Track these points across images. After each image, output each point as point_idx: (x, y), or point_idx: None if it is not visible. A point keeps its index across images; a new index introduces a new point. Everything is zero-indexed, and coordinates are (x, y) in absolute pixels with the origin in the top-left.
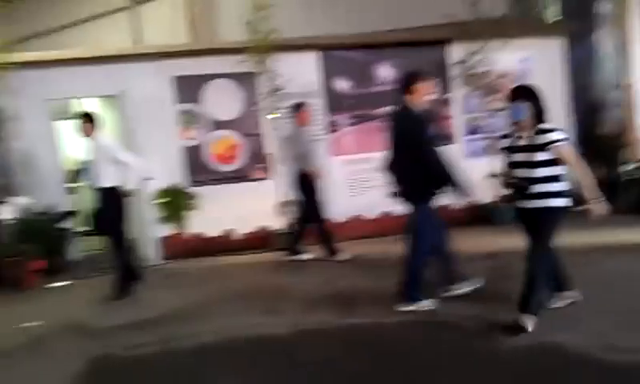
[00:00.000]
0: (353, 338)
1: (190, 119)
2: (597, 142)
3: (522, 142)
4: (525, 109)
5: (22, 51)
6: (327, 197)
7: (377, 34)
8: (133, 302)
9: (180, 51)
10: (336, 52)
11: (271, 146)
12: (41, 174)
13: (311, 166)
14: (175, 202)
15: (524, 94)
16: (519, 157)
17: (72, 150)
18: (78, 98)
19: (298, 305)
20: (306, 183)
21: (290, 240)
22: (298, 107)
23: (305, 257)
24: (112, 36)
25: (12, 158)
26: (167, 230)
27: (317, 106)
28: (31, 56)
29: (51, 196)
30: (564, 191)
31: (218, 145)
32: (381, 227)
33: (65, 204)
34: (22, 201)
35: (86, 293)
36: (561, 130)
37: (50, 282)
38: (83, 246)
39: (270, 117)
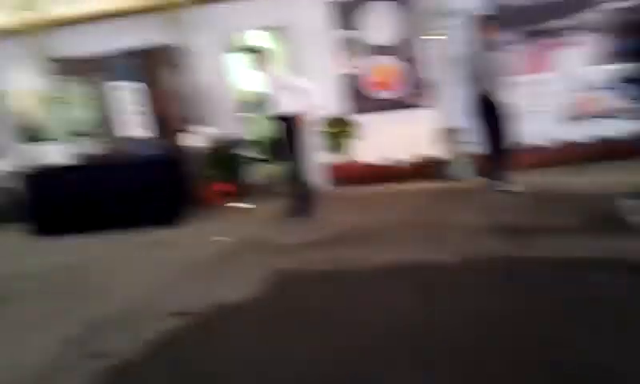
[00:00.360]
0: (517, 271)
1: (350, 46)
2: None
3: None
4: None
5: None
6: (512, 121)
7: None
8: (307, 223)
9: None
10: None
11: (433, 70)
12: (220, 105)
13: (497, 86)
14: (340, 130)
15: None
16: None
17: (247, 82)
18: (251, 30)
19: (464, 235)
20: (489, 106)
21: (490, 169)
22: (486, 20)
23: (512, 187)
24: None
25: (195, 90)
26: (333, 157)
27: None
28: None
29: (230, 126)
30: None
31: (378, 71)
32: (560, 156)
33: (243, 133)
34: (208, 130)
35: (265, 214)
36: None
37: (233, 204)
38: (260, 172)
39: (432, 39)
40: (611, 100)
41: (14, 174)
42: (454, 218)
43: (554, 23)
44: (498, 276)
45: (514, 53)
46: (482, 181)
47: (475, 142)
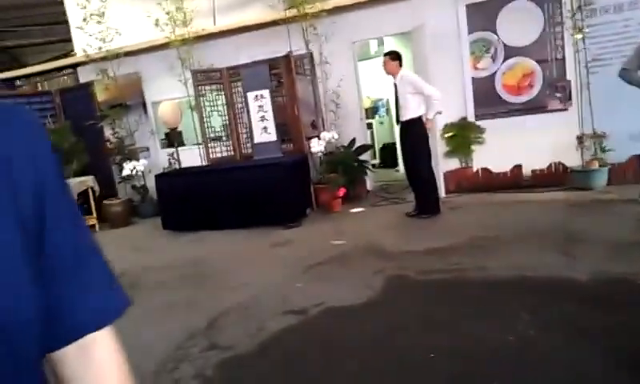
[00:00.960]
0: None
1: (482, 48)
2: None
3: None
4: None
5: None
6: None
7: None
8: (425, 230)
9: None
10: None
11: (573, 72)
12: (344, 111)
13: None
14: (463, 136)
15: None
16: None
17: (370, 89)
18: (379, 37)
19: (597, 251)
20: None
21: None
22: None
23: None
24: None
25: (322, 97)
26: (454, 163)
27: (635, 19)
28: (336, 2)
29: (352, 131)
30: None
31: (510, 74)
32: None
33: (363, 138)
34: (329, 135)
35: (381, 219)
36: None
37: (351, 208)
38: (378, 177)
39: (574, 37)
40: None
41: (156, 175)
42: (585, 231)
43: None
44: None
45: None
46: (631, 190)
47: (616, 149)
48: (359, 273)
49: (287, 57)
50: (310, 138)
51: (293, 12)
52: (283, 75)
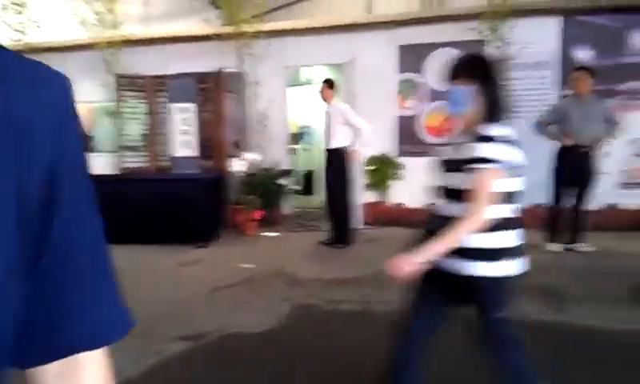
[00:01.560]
0: (554, 337)
1: (409, 88)
2: None
3: (450, 152)
4: (467, 94)
5: (268, 21)
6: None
7: None
8: (338, 260)
9: (409, 19)
10: (581, 17)
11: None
12: (270, 134)
13: (588, 141)
14: (384, 170)
15: (470, 69)
16: (443, 177)
17: (296, 114)
18: (311, 65)
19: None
20: (575, 161)
21: (555, 225)
22: (578, 71)
23: (581, 248)
24: (345, 6)
25: (250, 117)
26: (373, 196)
27: (548, 77)
28: (274, 26)
29: (276, 154)
30: (503, 249)
31: (433, 116)
32: (613, 221)
33: (285, 163)
34: (251, 156)
35: (295, 245)
36: (511, 142)
37: (265, 231)
38: (298, 203)
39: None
40: None
41: None
42: None
43: (628, 85)
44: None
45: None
46: (535, 236)
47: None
48: (266, 299)
49: (218, 73)
50: (232, 157)
51: (228, 29)
52: (212, 91)
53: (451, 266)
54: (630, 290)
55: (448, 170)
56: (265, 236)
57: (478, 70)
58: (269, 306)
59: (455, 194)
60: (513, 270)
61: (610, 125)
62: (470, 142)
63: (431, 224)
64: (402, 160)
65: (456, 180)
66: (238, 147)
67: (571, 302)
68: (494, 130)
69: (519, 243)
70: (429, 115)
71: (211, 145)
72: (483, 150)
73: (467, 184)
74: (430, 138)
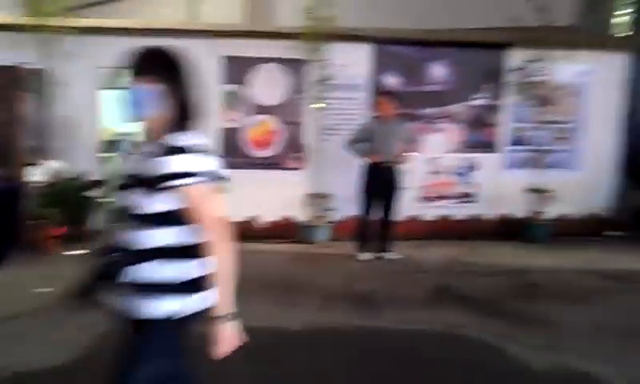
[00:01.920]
0: (365, 341)
1: (232, 101)
2: None
3: (136, 165)
4: (152, 96)
5: (81, 17)
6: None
7: (434, 31)
8: None
9: (233, 31)
10: (389, 46)
11: (310, 136)
12: (79, 141)
13: (393, 156)
14: None
15: (155, 66)
16: (125, 196)
17: (111, 121)
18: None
19: (313, 301)
20: (382, 177)
21: (365, 235)
22: (383, 95)
23: (389, 256)
24: (169, 10)
25: (53, 121)
26: None
27: (361, 99)
28: (84, 22)
29: (85, 163)
30: (194, 282)
31: (256, 129)
32: (412, 230)
33: (96, 173)
34: (53, 164)
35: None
36: (207, 151)
37: (69, 249)
38: (105, 216)
39: (314, 106)
40: (458, 184)
41: None
42: (306, 283)
43: (427, 111)
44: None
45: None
46: (348, 246)
47: (338, 209)
48: (63, 328)
49: (14, 69)
50: (29, 165)
51: (32, 20)
52: (5, 88)
53: (123, 306)
54: (429, 292)
55: (132, 188)
56: (68, 255)
57: (165, 68)
58: (67, 336)
59: (143, 219)
60: (193, 307)
61: (410, 144)
62: (160, 153)
63: (107, 259)
64: (228, 172)
65: (144, 200)
66: (38, 154)
67: (381, 307)
68: (186, 138)
69: (203, 274)
70: (252, 128)
71: (2, 150)
72: (179, 162)
73: (159, 206)
74: (253, 151)
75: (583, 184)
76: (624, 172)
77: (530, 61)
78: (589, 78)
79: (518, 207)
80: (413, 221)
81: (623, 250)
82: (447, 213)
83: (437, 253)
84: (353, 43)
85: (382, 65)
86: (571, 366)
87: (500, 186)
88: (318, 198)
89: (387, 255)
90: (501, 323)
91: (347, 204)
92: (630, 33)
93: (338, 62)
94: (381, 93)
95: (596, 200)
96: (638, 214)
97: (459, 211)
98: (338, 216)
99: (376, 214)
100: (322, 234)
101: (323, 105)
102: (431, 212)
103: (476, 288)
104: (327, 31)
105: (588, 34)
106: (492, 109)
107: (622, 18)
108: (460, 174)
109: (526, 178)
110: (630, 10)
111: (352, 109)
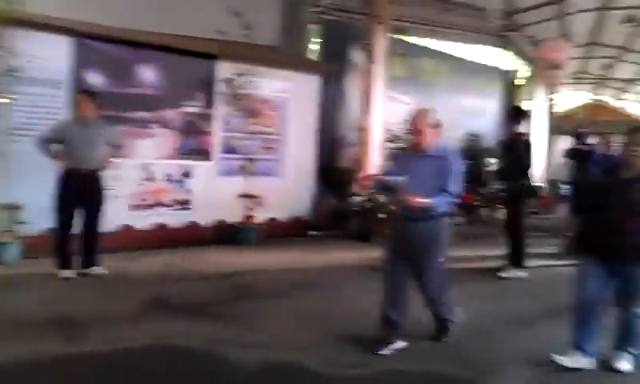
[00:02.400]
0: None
1: None
2: (333, 174)
3: None
4: None
5: None
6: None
7: (143, 32)
8: None
9: None
10: (94, 42)
11: None
12: None
13: (94, 161)
14: None
15: None
16: None
17: None
18: None
19: (10, 332)
20: (80, 183)
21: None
22: (84, 94)
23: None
24: None
25: None
26: None
27: (60, 97)
28: None
29: None
30: None
31: None
32: (124, 241)
33: None
34: None
35: None
36: None
37: None
38: None
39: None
40: (173, 192)
41: None
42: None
43: (137, 114)
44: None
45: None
46: (46, 264)
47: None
48: None
49: None
50: None
51: None
52: None
53: None
54: (140, 305)
55: None
56: None
57: None
58: None
59: None
60: None
61: (116, 148)
62: None
63: None
64: None
65: None
66: None
67: (89, 328)
68: None
69: None
70: None
71: None
72: None
73: None
74: None
75: (287, 190)
76: (319, 180)
77: (237, 74)
78: (288, 94)
79: (231, 213)
80: (125, 231)
81: (321, 247)
82: (162, 221)
83: (151, 263)
84: (51, 34)
85: (85, 61)
86: (278, 358)
87: (214, 193)
88: (6, 210)
89: (93, 270)
90: (212, 327)
91: (43, 216)
92: (320, 59)
93: (31, 53)
94: (81, 91)
95: (299, 204)
96: (332, 215)
97: (175, 219)
98: (31, 230)
99: (77, 226)
100: (13, 253)
101: (8, 100)
102: (145, 221)
103: (189, 295)
104: (16, 16)
105: (287, 54)
106: (204, 117)
107: (314, 45)
108: (175, 181)
109: (238, 184)
110: (319, 40)
111: (49, 106)
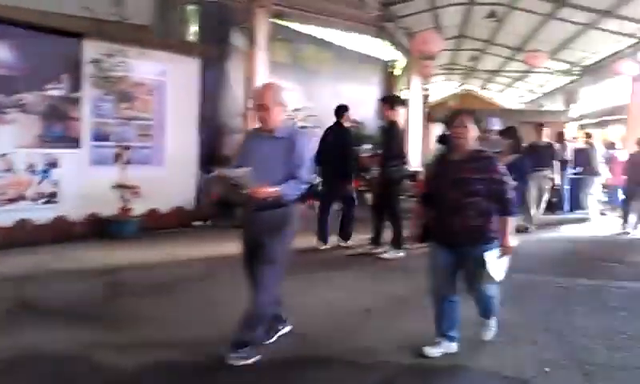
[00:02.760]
0: None
1: None
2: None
3: None
4: None
5: None
6: None
7: None
8: None
9: None
10: None
11: None
12: None
13: None
14: None
15: None
16: None
17: None
18: None
19: None
20: None
21: None
22: None
23: None
24: None
25: None
26: None
27: None
28: None
29: None
30: None
31: None
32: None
33: None
34: None
35: None
36: None
37: None
38: None
39: None
40: (36, 184)
41: None
42: None
43: None
44: None
45: None
46: None
47: None
48: None
49: None
50: None
51: None
52: None
53: None
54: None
55: None
56: None
57: None
58: None
59: None
60: None
61: None
62: None
63: None
64: None
65: None
66: None
67: None
68: None
69: None
70: None
71: None
72: None
73: None
74: None
75: (168, 179)
76: (202, 167)
77: (107, 54)
78: (164, 78)
79: (105, 205)
80: None
81: (205, 239)
82: (26, 216)
83: (14, 263)
84: None
85: None
86: (156, 359)
87: (85, 184)
88: None
89: None
90: (85, 331)
91: None
92: (197, 40)
93: None
94: None
95: (181, 194)
96: (216, 205)
97: (40, 214)
98: None
99: None
100: None
101: None
102: (5, 216)
103: (61, 297)
104: None
105: (161, 35)
106: (70, 101)
107: (192, 26)
108: (38, 172)
109: (112, 174)
110: (197, 21)
111: None
